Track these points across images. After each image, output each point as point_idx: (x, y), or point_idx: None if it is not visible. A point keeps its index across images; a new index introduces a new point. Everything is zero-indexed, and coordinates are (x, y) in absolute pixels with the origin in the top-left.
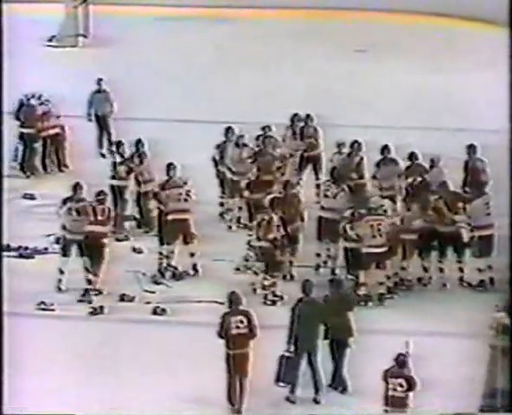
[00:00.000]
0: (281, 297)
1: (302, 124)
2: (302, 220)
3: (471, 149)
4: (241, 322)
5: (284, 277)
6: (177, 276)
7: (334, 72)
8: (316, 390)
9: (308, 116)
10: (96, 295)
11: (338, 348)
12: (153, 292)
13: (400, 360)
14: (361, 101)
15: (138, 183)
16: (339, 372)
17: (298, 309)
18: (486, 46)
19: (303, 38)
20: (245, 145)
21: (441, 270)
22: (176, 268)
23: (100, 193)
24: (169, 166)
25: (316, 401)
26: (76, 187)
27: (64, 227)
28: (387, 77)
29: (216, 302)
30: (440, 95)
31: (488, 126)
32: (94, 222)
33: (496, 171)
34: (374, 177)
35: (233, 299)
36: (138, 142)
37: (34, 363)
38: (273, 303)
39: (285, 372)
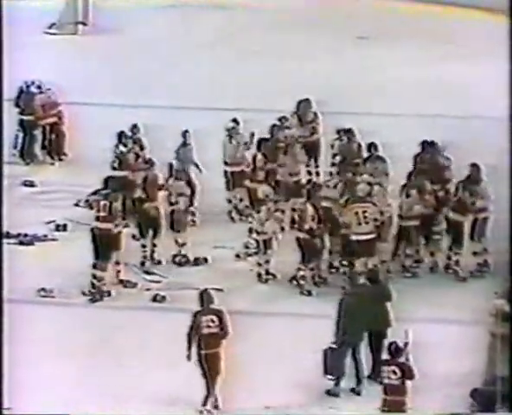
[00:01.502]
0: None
1: (307, 110)
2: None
3: (425, 144)
4: (212, 321)
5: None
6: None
7: (335, 59)
8: (358, 381)
9: (307, 100)
10: (102, 293)
11: (377, 339)
12: (158, 282)
13: (392, 349)
14: (362, 88)
15: (132, 170)
16: (378, 363)
17: (345, 302)
18: (486, 34)
19: (304, 25)
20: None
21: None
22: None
23: (104, 187)
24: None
25: (356, 392)
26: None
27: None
28: (388, 64)
29: (216, 289)
30: (441, 82)
31: (488, 114)
32: (97, 218)
33: (496, 159)
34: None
35: (204, 298)
36: (134, 127)
37: (34, 349)
38: (309, 293)
39: (332, 364)
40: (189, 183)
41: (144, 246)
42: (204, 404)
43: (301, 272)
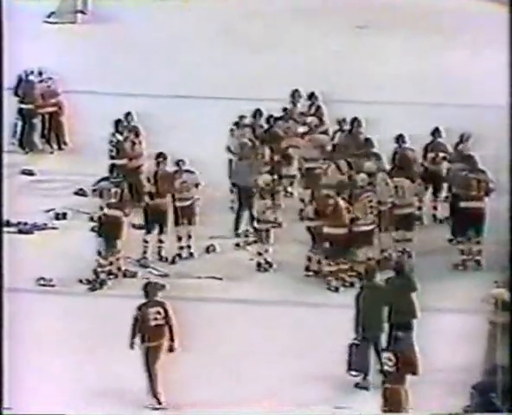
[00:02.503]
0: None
1: (304, 101)
2: None
3: (400, 138)
4: (159, 313)
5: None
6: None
7: (334, 48)
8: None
9: (312, 94)
10: (109, 278)
11: (403, 331)
12: (165, 275)
13: (392, 336)
14: (362, 77)
15: (129, 158)
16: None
17: (363, 296)
18: (487, 23)
19: (303, 14)
20: (246, 126)
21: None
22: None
23: (115, 175)
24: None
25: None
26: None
27: (100, 207)
28: (388, 53)
29: (215, 277)
30: (441, 71)
31: (488, 103)
32: (108, 205)
33: (496, 148)
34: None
35: (149, 290)
36: (127, 115)
37: (33, 338)
38: (336, 289)
39: (356, 360)
40: None
41: (146, 242)
42: (154, 396)
43: (327, 268)
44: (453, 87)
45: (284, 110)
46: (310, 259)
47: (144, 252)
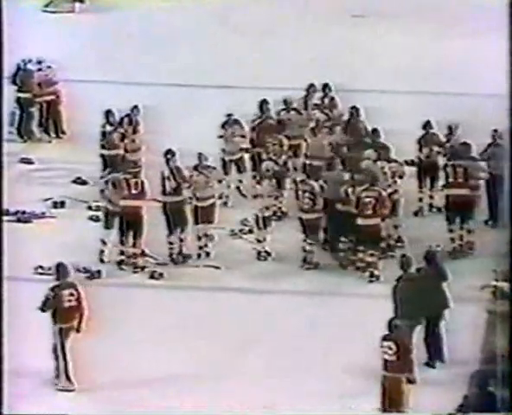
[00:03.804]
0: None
1: (318, 94)
2: None
3: (354, 110)
4: (72, 294)
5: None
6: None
7: (330, 38)
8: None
9: (326, 85)
10: (135, 267)
11: (434, 322)
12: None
13: (392, 324)
14: (359, 67)
15: (126, 151)
16: (438, 345)
17: (399, 288)
18: (486, 10)
19: (298, 3)
20: (236, 122)
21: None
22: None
23: (133, 166)
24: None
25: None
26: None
27: (106, 199)
28: (385, 42)
29: (213, 266)
30: (439, 60)
31: (486, 91)
32: (128, 196)
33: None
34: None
35: (60, 271)
36: (134, 108)
37: (32, 327)
38: (377, 278)
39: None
40: None
41: (171, 244)
42: (57, 377)
43: (368, 258)
44: (451, 75)
45: (284, 101)
46: (305, 250)
47: (171, 255)
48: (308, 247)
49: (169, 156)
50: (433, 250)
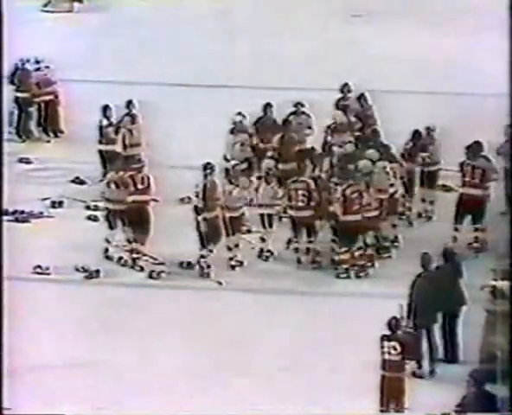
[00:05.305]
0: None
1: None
2: None
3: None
4: None
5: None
6: None
7: (329, 37)
8: (432, 363)
9: (362, 95)
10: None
11: (451, 319)
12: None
13: (393, 324)
14: (358, 67)
15: (124, 146)
16: (454, 342)
17: (417, 284)
18: (485, 9)
19: (298, 3)
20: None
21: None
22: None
23: (137, 161)
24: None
25: (431, 373)
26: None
27: (107, 199)
28: (384, 42)
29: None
30: (440, 59)
31: (488, 90)
32: (135, 192)
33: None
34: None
35: None
36: (129, 103)
37: (30, 326)
38: (349, 276)
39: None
40: None
41: (203, 257)
42: None
43: (341, 256)
44: (453, 74)
45: (295, 105)
46: (298, 251)
47: (201, 268)
48: (301, 246)
49: (207, 170)
50: (451, 247)
